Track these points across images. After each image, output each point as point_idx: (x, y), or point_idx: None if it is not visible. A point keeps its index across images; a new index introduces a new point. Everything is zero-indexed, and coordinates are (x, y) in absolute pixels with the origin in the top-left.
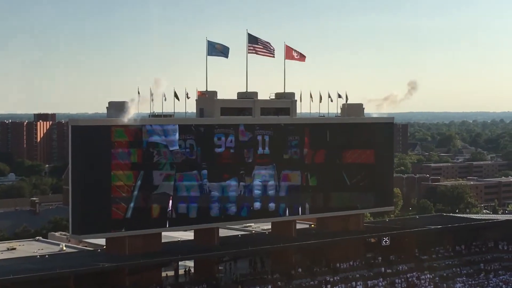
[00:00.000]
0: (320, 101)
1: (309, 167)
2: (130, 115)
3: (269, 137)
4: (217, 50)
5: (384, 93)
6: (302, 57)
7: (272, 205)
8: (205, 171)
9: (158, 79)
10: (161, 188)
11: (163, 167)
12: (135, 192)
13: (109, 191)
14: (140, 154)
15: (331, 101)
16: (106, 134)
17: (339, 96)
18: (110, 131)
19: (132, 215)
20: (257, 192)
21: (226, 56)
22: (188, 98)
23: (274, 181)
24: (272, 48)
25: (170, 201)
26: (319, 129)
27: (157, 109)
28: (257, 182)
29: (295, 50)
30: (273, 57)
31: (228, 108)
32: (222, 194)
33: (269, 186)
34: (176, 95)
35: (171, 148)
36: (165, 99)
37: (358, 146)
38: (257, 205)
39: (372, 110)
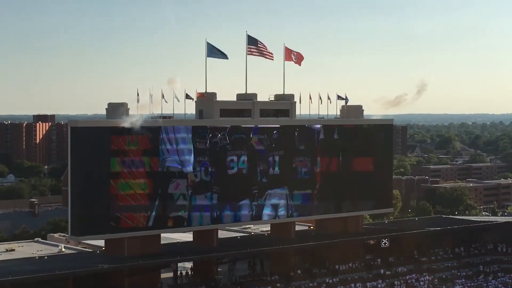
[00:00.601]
0: (321, 103)
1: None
2: (134, 118)
3: (279, 157)
4: (216, 52)
5: (384, 95)
6: (299, 60)
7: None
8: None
9: (172, 79)
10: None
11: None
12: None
13: (108, 193)
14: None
15: (330, 102)
16: (105, 135)
17: (339, 97)
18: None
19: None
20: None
21: (226, 57)
22: (192, 99)
23: (286, 201)
24: (270, 52)
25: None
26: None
27: (157, 111)
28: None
29: (293, 53)
30: (272, 59)
31: (227, 109)
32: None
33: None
34: (187, 96)
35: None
36: (178, 100)
37: (357, 147)
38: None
39: (376, 111)
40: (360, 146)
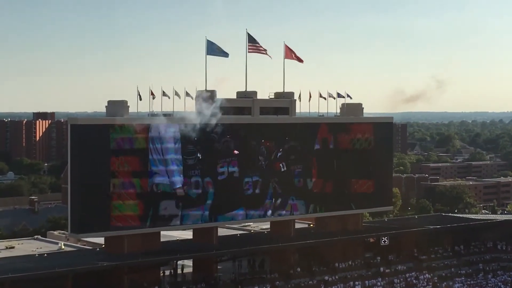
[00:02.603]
0: (325, 99)
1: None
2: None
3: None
4: (217, 50)
5: (384, 93)
6: (300, 59)
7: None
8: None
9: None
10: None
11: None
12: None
13: (108, 190)
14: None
15: (332, 98)
16: (105, 133)
17: (339, 95)
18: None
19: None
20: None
21: (227, 56)
22: (191, 97)
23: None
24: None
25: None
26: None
27: (156, 108)
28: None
29: (293, 53)
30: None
31: (227, 107)
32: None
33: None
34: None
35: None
36: (179, 97)
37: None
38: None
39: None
40: (359, 147)
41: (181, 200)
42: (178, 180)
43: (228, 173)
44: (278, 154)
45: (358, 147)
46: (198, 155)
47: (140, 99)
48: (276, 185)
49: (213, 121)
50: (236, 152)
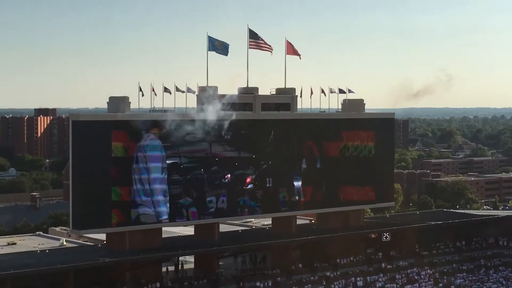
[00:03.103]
0: (325, 95)
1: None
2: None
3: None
4: (217, 47)
5: (387, 89)
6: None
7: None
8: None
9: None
10: None
11: None
12: None
13: (109, 187)
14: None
15: (338, 93)
16: (106, 129)
17: (340, 91)
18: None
19: None
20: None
21: (226, 54)
22: (193, 93)
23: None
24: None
25: None
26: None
27: (158, 105)
28: None
29: (294, 48)
30: (271, 52)
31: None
32: None
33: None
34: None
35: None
36: (182, 92)
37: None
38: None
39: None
40: (361, 142)
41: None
42: None
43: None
44: None
45: (358, 155)
46: None
47: (143, 95)
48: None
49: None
50: None
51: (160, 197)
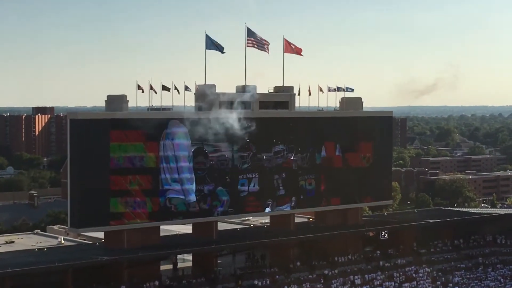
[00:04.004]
0: (323, 92)
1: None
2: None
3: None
4: (214, 45)
5: (388, 87)
6: (298, 50)
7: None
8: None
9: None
10: None
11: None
12: None
13: (107, 185)
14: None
15: (336, 91)
16: (104, 127)
17: (339, 89)
18: None
19: None
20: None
21: (222, 51)
22: (190, 91)
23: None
24: (267, 43)
25: None
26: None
27: (156, 103)
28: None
29: (292, 45)
30: (268, 53)
31: (227, 101)
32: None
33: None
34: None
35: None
36: (179, 92)
37: (357, 139)
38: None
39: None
40: (359, 140)
41: None
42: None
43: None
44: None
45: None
46: None
47: (142, 91)
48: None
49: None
50: None
51: (188, 185)
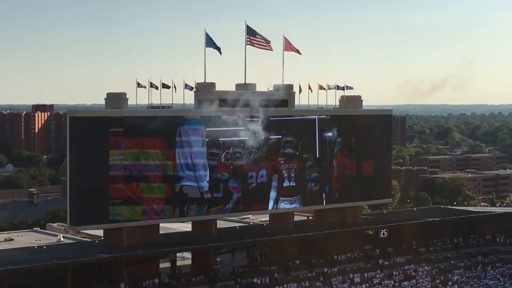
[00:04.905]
0: (324, 89)
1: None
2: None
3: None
4: (212, 43)
5: (389, 86)
6: (297, 50)
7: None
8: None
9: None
10: None
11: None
12: None
13: (107, 183)
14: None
15: (336, 89)
16: (104, 125)
17: (338, 87)
18: None
19: None
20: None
21: (220, 52)
22: (190, 89)
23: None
24: (269, 41)
25: None
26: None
27: (155, 100)
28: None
29: (292, 45)
30: (271, 50)
31: (226, 99)
32: None
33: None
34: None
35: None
36: (175, 91)
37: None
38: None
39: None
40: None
41: None
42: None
43: None
44: None
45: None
46: None
47: (144, 87)
48: None
49: None
50: None
51: (202, 172)
